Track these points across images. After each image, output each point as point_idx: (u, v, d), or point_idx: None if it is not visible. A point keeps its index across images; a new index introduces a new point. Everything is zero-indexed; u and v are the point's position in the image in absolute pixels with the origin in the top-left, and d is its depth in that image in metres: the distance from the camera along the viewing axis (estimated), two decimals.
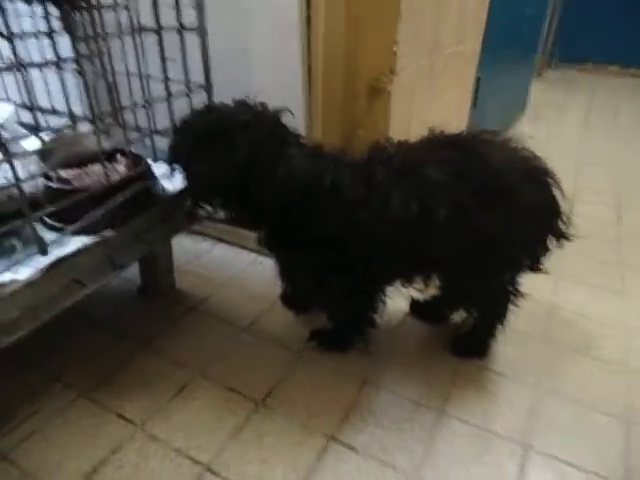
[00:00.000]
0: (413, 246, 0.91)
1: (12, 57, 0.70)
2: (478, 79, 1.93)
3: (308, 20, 1.09)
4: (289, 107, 0.93)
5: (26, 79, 0.97)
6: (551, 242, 1.00)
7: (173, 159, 0.96)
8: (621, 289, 1.40)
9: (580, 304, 1.33)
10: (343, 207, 0.89)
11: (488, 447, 0.92)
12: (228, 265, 1.47)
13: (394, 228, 0.88)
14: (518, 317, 1.22)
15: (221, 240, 1.59)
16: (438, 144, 0.94)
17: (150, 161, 1.11)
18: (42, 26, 0.91)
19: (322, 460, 0.89)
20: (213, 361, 1.11)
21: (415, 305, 1.26)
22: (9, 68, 0.70)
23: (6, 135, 1.19)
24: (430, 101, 1.37)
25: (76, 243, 0.90)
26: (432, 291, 1.19)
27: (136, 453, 0.90)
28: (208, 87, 1.08)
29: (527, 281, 1.06)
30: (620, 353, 1.16)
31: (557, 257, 1.51)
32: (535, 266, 1.02)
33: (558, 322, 1.26)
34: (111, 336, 1.18)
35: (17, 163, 1.06)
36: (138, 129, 1.14)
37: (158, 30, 0.96)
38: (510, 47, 2.31)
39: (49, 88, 1.29)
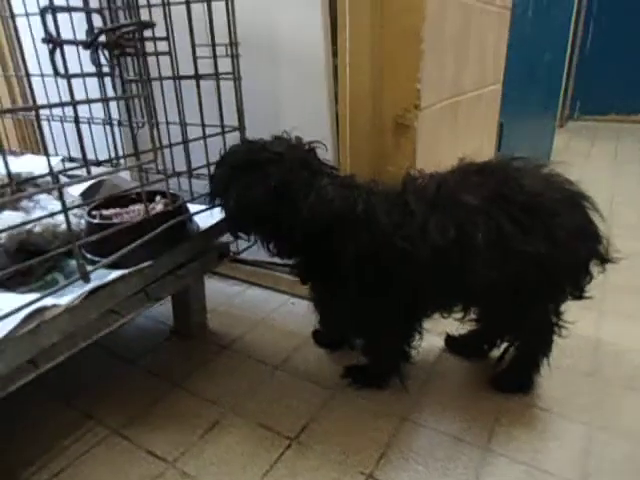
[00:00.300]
0: (452, 274, 0.89)
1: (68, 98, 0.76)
2: (501, 124, 1.98)
3: (334, 58, 1.16)
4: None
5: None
6: (593, 267, 0.97)
7: (212, 190, 1.00)
8: None
9: (627, 337, 1.26)
10: (378, 233, 0.89)
11: None
12: (260, 306, 1.47)
13: (431, 255, 0.87)
14: (563, 352, 1.18)
15: (253, 283, 1.60)
16: (470, 171, 0.95)
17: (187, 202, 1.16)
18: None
19: None
20: (246, 398, 1.08)
21: (451, 341, 1.22)
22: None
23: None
24: (456, 140, 1.41)
25: (115, 274, 0.93)
26: (469, 326, 1.16)
27: None
28: (241, 128, 1.13)
29: (570, 317, 1.02)
30: None
31: (598, 291, 1.47)
32: (578, 293, 0.98)
33: (605, 356, 1.19)
34: (143, 375, 1.18)
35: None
36: (176, 173, 1.20)
37: (196, 77, 1.04)
38: (530, 92, 2.37)
39: (93, 139, 1.39)
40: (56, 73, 0.71)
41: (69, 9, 0.72)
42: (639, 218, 2.10)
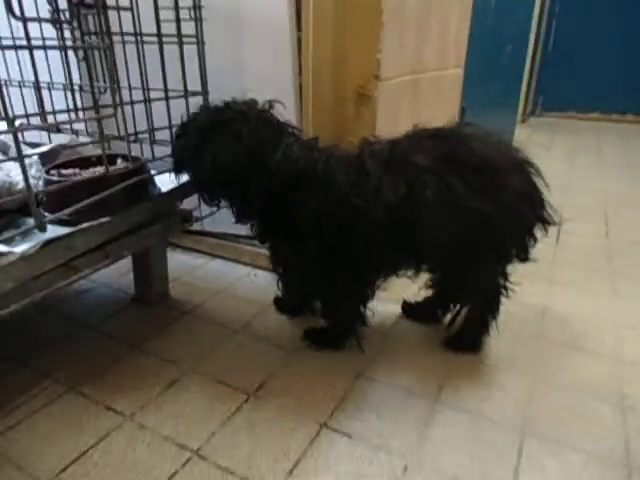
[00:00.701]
0: (403, 231, 0.93)
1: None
2: (463, 109, 2.04)
3: (298, 28, 1.18)
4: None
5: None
6: (537, 230, 1.02)
7: (178, 157, 1.00)
8: (612, 292, 1.41)
9: (573, 306, 1.33)
10: (335, 191, 0.93)
11: (484, 431, 0.90)
12: (223, 277, 1.48)
13: (384, 212, 0.91)
14: (512, 318, 1.25)
15: (216, 256, 1.61)
16: (423, 136, 0.99)
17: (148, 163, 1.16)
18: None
19: (314, 445, 0.87)
20: (205, 359, 1.10)
21: (408, 307, 1.27)
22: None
23: (7, 142, 1.25)
24: (417, 116, 1.45)
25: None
26: (424, 293, 1.20)
27: (124, 441, 0.88)
28: (204, 93, 1.14)
29: (520, 288, 1.07)
30: (613, 346, 1.15)
31: (548, 266, 1.55)
32: (524, 256, 1.04)
33: (551, 322, 1.26)
34: (102, 338, 1.18)
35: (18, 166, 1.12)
36: (136, 133, 1.19)
37: (159, 37, 1.04)
38: (492, 80, 2.44)
39: (53, 105, 1.37)
40: (12, 14, 0.71)
41: None
42: (590, 203, 2.20)
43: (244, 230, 1.48)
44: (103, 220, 0.95)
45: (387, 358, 1.11)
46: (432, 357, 1.11)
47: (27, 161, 1.16)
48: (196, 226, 1.52)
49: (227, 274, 1.50)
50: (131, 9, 0.93)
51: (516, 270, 1.07)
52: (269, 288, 1.32)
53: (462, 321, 1.13)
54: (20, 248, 0.81)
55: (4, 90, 0.71)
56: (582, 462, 0.84)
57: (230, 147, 0.91)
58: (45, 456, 0.84)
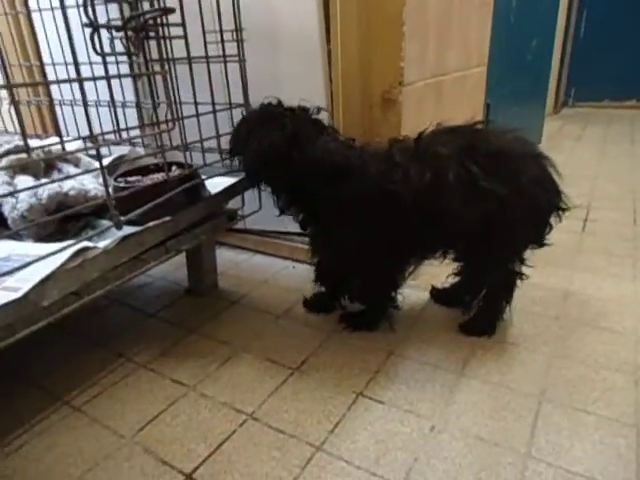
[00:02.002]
0: (430, 213, 1.04)
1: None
2: (488, 105, 2.12)
3: (327, 41, 1.31)
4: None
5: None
6: (552, 217, 1.11)
7: (233, 143, 1.15)
8: (635, 276, 1.47)
9: (595, 289, 1.41)
10: (369, 180, 1.05)
11: (504, 398, 1.00)
12: (265, 269, 1.63)
13: (413, 195, 1.02)
14: (534, 301, 1.34)
15: (258, 251, 1.76)
16: (444, 132, 1.11)
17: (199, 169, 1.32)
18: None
19: (352, 410, 0.99)
20: (253, 339, 1.24)
21: (436, 292, 1.38)
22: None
23: (79, 156, 1.44)
24: (440, 113, 1.55)
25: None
26: (451, 280, 1.31)
27: (189, 406, 1.03)
28: (246, 105, 1.29)
29: (544, 272, 1.15)
30: (632, 324, 1.23)
31: (573, 253, 1.62)
32: (540, 241, 1.13)
33: (573, 304, 1.34)
34: (162, 324, 1.34)
35: (89, 176, 1.29)
36: (187, 144, 1.35)
37: (207, 59, 1.19)
38: (518, 76, 2.50)
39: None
40: (95, 51, 0.86)
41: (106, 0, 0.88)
42: (619, 192, 2.23)
43: (283, 227, 1.64)
44: (166, 219, 1.11)
45: (417, 338, 1.22)
46: (458, 337, 1.22)
47: (97, 171, 1.35)
48: (239, 225, 1.67)
49: (269, 267, 1.65)
50: (184, 37, 1.08)
51: (541, 257, 1.16)
52: (307, 278, 1.45)
53: (478, 307, 1.23)
54: (102, 243, 0.97)
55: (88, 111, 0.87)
56: (594, 422, 0.93)
57: (273, 135, 1.05)
58: (126, 417, 1.00)
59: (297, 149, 1.05)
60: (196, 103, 1.24)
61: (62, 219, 1.17)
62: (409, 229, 1.07)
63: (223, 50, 1.22)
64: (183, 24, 1.06)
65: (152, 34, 1.00)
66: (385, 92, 1.29)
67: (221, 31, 1.19)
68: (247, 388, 1.07)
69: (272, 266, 1.65)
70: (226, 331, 1.29)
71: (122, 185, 1.18)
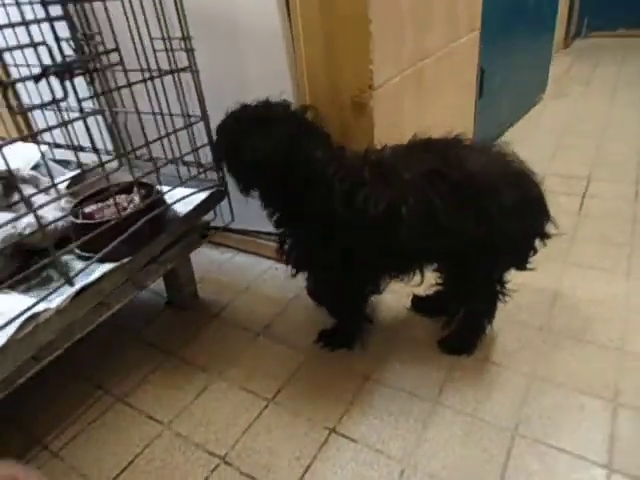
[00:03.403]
0: (387, 241, 0.98)
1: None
2: (482, 70, 1.95)
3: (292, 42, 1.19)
4: None
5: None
6: (536, 242, 1.03)
7: (219, 149, 1.10)
8: (628, 272, 1.40)
9: (586, 289, 1.35)
10: (333, 198, 0.97)
11: (477, 433, 0.99)
12: (247, 272, 1.60)
13: (368, 222, 0.96)
14: (521, 309, 1.29)
15: (241, 250, 1.71)
16: (418, 147, 1.01)
17: (166, 188, 1.24)
18: None
19: (323, 451, 1.00)
20: (231, 364, 1.24)
21: (417, 301, 1.34)
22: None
23: (37, 176, 1.37)
24: (422, 106, 1.43)
25: (101, 269, 1.05)
26: (434, 287, 1.26)
27: (164, 449, 1.04)
28: (204, 118, 1.19)
29: (534, 272, 1.08)
30: (617, 335, 1.18)
31: (567, 242, 1.55)
32: (521, 265, 1.06)
33: (561, 310, 1.29)
34: (143, 346, 1.33)
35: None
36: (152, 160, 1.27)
37: (151, 78, 1.08)
38: (517, 26, 2.29)
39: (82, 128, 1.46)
40: (9, 108, 0.78)
41: (19, 47, 0.78)
42: (624, 155, 2.09)
43: (265, 227, 1.58)
44: (125, 261, 1.06)
45: (394, 357, 1.20)
46: (438, 356, 1.19)
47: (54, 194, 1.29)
48: (220, 222, 1.62)
49: (251, 269, 1.61)
50: (120, 64, 0.97)
51: None
52: (288, 283, 1.41)
53: (458, 323, 1.19)
54: (55, 303, 0.94)
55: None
56: (567, 463, 0.92)
57: (268, 143, 0.97)
58: (102, 463, 1.02)
59: (296, 156, 0.98)
60: (161, 113, 1.15)
61: (24, 257, 1.14)
62: (368, 250, 1.02)
63: (169, 63, 1.10)
64: (117, 49, 0.95)
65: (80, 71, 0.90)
66: (355, 96, 1.18)
67: (169, 39, 1.07)
68: (221, 425, 1.08)
69: (254, 267, 1.62)
70: (204, 354, 1.28)
71: (79, 222, 1.12)
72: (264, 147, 0.97)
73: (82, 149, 1.49)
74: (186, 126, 1.18)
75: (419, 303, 1.33)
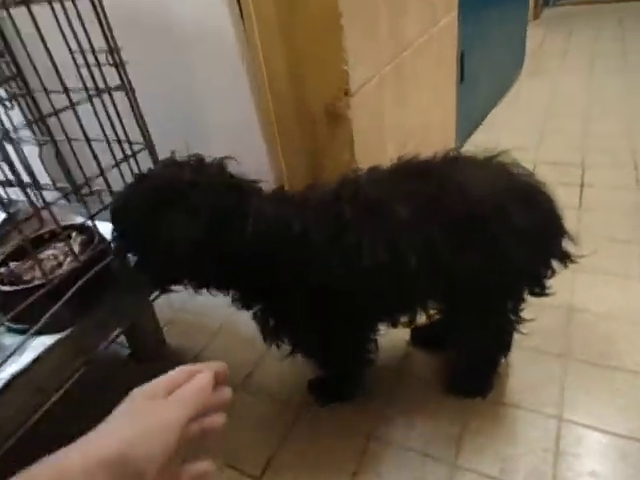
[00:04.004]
0: (386, 289, 0.81)
1: None
2: (462, 54, 1.77)
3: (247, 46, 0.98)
4: (245, 143, 0.84)
5: None
6: (555, 264, 0.87)
7: (121, 240, 0.87)
8: None
9: (601, 300, 1.20)
10: (313, 252, 0.79)
11: None
12: (219, 308, 1.39)
13: (367, 275, 0.78)
14: (534, 330, 1.12)
15: None
16: (408, 174, 0.83)
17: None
18: None
19: None
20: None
21: (417, 333, 1.17)
22: None
23: None
24: (404, 108, 1.24)
25: (35, 347, 0.85)
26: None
27: None
28: (149, 144, 0.98)
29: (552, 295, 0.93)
30: None
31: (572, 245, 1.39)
32: (539, 292, 0.90)
33: (577, 329, 1.15)
34: (101, 413, 1.13)
35: None
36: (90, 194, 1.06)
37: (72, 106, 0.86)
38: (491, 1, 2.11)
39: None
40: None
41: None
42: (615, 135, 1.96)
43: None
44: (64, 334, 0.86)
45: (398, 409, 1.03)
46: (449, 401, 1.03)
47: None
48: None
49: (222, 303, 1.41)
50: (28, 94, 0.75)
51: None
52: None
53: (468, 361, 1.03)
54: None
55: None
56: None
57: (187, 227, 0.76)
58: None
59: (222, 235, 0.76)
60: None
61: None
62: (365, 305, 0.85)
63: (94, 81, 0.88)
64: (17, 76, 0.73)
65: None
66: (328, 105, 0.99)
67: (93, 52, 0.85)
68: None
69: (226, 300, 1.42)
70: None
71: (5, 289, 0.90)
72: (178, 236, 0.74)
73: (10, 184, 1.26)
74: (126, 157, 0.96)
75: (419, 335, 1.17)
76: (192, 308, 1.42)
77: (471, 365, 1.03)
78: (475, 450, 0.93)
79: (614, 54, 2.85)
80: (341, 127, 1.00)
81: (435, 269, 0.78)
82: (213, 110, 1.09)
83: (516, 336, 1.01)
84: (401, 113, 1.22)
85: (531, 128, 2.11)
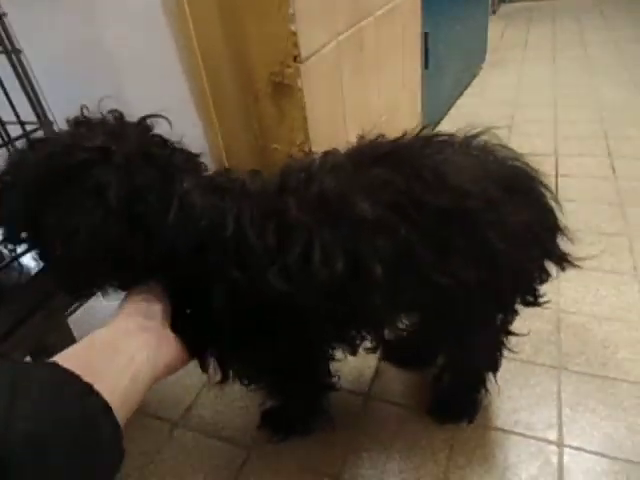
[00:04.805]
0: (349, 311, 0.63)
1: None
2: (426, 35, 1.63)
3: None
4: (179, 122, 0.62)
5: None
6: (550, 267, 0.71)
7: (9, 230, 0.65)
8: (634, 267, 1.14)
9: (593, 301, 1.07)
10: (249, 262, 0.59)
11: None
12: None
13: (318, 293, 0.59)
14: (521, 341, 0.97)
15: None
16: (373, 159, 0.64)
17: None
18: None
19: None
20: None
21: (387, 348, 0.99)
22: None
23: None
24: (366, 83, 1.07)
25: None
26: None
27: None
28: (44, 122, 0.76)
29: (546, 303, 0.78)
30: None
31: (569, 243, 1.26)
32: (532, 301, 0.74)
33: (570, 337, 1.00)
34: None
35: None
36: None
37: None
38: None
39: None
40: None
41: None
42: (587, 123, 1.87)
43: None
44: None
45: (371, 440, 0.85)
46: (428, 428, 0.86)
47: None
48: None
49: None
50: None
51: None
52: None
53: (450, 382, 0.86)
54: None
55: None
56: None
57: (90, 214, 0.54)
58: None
59: (139, 226, 0.55)
60: None
61: None
62: (319, 327, 0.66)
63: None
64: None
65: None
66: (273, 74, 0.80)
67: None
68: None
69: None
70: None
71: None
72: (75, 227, 0.54)
73: None
74: (13, 139, 0.74)
75: (392, 350, 0.99)
76: None
77: (455, 385, 0.86)
78: None
79: (573, 45, 2.80)
80: (291, 101, 0.82)
81: (409, 280, 0.60)
82: (138, 91, 0.89)
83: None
84: (363, 90, 1.05)
85: (498, 119, 1.99)
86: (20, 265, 0.81)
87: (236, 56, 0.80)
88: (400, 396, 0.92)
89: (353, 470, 0.81)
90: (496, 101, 2.19)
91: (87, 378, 0.42)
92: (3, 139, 0.74)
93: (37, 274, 0.81)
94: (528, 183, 0.66)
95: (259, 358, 0.71)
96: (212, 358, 0.68)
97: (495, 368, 0.83)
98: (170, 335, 0.57)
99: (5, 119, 0.76)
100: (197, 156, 0.64)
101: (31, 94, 0.74)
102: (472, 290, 0.61)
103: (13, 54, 0.70)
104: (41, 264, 0.80)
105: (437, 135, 0.66)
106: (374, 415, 0.90)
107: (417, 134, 0.67)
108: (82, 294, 0.70)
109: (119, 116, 0.61)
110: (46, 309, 0.84)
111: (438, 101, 1.94)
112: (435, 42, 1.73)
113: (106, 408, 0.43)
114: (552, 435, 0.82)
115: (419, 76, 1.58)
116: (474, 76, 2.48)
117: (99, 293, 0.66)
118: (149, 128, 0.61)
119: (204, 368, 0.67)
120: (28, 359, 0.85)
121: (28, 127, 0.76)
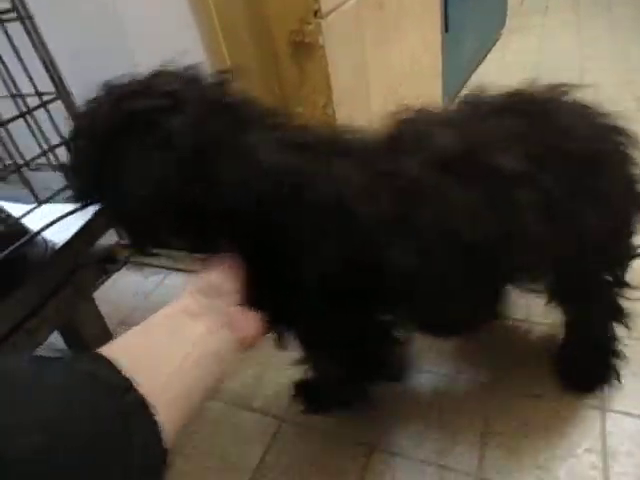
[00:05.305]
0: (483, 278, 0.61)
1: None
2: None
3: None
4: None
5: None
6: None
7: (78, 184, 0.59)
8: None
9: None
10: (355, 236, 0.54)
11: None
12: None
13: (458, 259, 0.56)
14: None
15: (171, 269, 1.29)
16: (491, 109, 0.62)
17: (23, 208, 0.80)
18: None
19: None
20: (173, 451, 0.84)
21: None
22: None
23: None
24: (388, 44, 1.03)
25: None
26: None
27: None
28: (61, 92, 0.74)
29: None
30: None
31: None
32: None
33: None
34: None
35: None
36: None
37: None
38: None
39: None
40: None
41: None
42: (616, 83, 1.78)
43: None
44: None
45: (406, 408, 0.84)
46: (464, 397, 0.84)
47: None
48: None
49: None
50: None
51: None
52: None
53: (572, 342, 0.82)
54: None
55: None
56: None
57: (157, 163, 0.50)
58: None
59: (204, 180, 0.50)
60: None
61: None
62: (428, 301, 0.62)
63: None
64: None
65: None
66: (294, 33, 0.77)
67: None
68: None
69: None
70: None
71: None
72: (144, 176, 0.51)
73: None
74: (30, 109, 0.73)
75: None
76: (153, 302, 1.19)
77: (586, 348, 0.81)
78: (503, 457, 0.74)
79: (597, 7, 2.67)
80: (312, 61, 0.79)
81: (556, 232, 0.58)
82: (153, 58, 0.86)
83: None
84: (384, 51, 1.01)
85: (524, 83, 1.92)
86: (44, 240, 0.81)
87: (254, 15, 0.77)
88: (434, 364, 0.90)
89: (390, 438, 0.79)
90: (518, 69, 2.11)
91: (130, 372, 0.38)
92: (21, 110, 0.72)
93: (61, 249, 0.80)
94: (621, 141, 0.64)
95: (345, 329, 0.66)
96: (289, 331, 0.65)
97: (621, 316, 0.76)
98: (243, 311, 0.51)
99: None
100: (276, 111, 0.59)
101: (47, 61, 0.72)
102: (606, 239, 0.62)
103: (27, 20, 0.68)
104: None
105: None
106: (409, 384, 0.88)
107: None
108: (148, 250, 0.65)
109: (193, 68, 0.57)
110: (72, 284, 0.84)
111: (459, 67, 1.87)
112: (455, 5, 1.66)
113: (142, 406, 0.38)
114: (594, 400, 0.79)
115: (440, 41, 1.52)
116: (495, 42, 2.39)
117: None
118: (226, 80, 0.57)
119: (281, 343, 0.64)
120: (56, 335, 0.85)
121: (45, 98, 0.74)
